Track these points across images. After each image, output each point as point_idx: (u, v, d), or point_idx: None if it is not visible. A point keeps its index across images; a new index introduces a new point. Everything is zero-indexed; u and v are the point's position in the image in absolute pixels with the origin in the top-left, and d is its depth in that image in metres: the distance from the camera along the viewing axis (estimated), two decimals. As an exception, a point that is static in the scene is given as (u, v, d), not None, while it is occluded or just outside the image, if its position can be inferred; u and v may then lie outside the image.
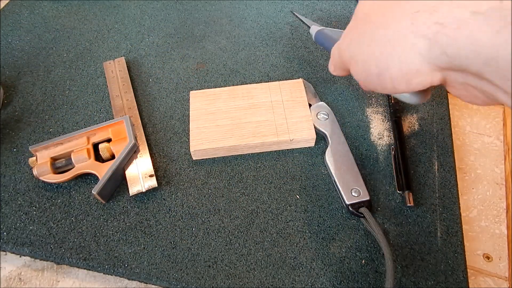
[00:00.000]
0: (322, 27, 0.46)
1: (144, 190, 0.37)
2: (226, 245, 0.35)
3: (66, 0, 0.59)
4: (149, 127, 0.43)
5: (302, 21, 0.50)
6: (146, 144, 0.41)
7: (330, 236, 0.35)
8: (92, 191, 0.36)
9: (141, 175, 0.38)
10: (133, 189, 0.37)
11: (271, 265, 0.34)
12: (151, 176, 0.38)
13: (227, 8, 0.56)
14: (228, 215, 0.37)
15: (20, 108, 0.46)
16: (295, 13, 0.52)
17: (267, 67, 0.48)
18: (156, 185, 0.38)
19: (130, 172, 0.38)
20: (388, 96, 0.44)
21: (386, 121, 0.43)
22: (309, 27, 0.47)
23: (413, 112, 0.43)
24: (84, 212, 0.37)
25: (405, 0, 0.24)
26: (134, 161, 0.39)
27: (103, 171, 0.37)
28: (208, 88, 0.47)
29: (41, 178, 0.38)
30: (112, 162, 0.38)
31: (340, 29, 0.48)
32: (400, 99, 0.31)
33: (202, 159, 0.41)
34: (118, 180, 0.38)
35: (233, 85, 0.47)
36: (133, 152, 0.39)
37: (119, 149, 0.38)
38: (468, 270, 0.34)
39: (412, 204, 0.36)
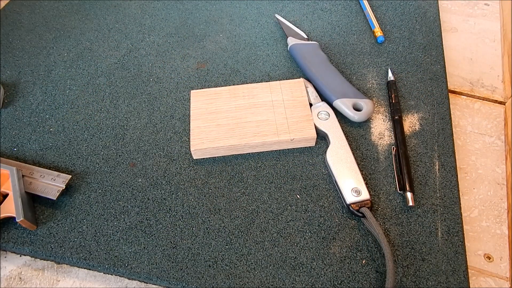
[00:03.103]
0: (296, 42, 0.46)
1: (63, 186, 0.37)
2: (227, 245, 0.35)
3: (67, 0, 0.59)
4: (149, 127, 0.43)
5: (282, 28, 0.50)
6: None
7: (330, 236, 0.35)
8: (16, 220, 0.35)
9: (48, 182, 0.38)
10: (55, 194, 0.37)
11: (272, 265, 0.34)
12: (57, 176, 0.38)
13: (228, 8, 0.56)
14: (228, 214, 0.37)
15: (21, 108, 0.46)
16: (278, 17, 0.51)
17: (268, 67, 0.48)
18: (69, 176, 0.38)
19: (37, 187, 0.38)
20: (389, 96, 0.44)
21: (387, 120, 0.43)
22: (287, 37, 0.47)
23: (414, 112, 0.43)
24: (84, 211, 0.37)
25: None
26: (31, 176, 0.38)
27: (11, 208, 0.36)
28: (209, 87, 0.47)
29: None
30: (11, 197, 0.36)
31: (340, 32, 0.48)
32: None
33: (203, 158, 0.41)
34: (31, 200, 0.38)
35: (233, 84, 0.47)
36: (21, 176, 0.38)
37: (7, 186, 0.37)
38: (469, 270, 0.34)
39: (413, 204, 0.36)
